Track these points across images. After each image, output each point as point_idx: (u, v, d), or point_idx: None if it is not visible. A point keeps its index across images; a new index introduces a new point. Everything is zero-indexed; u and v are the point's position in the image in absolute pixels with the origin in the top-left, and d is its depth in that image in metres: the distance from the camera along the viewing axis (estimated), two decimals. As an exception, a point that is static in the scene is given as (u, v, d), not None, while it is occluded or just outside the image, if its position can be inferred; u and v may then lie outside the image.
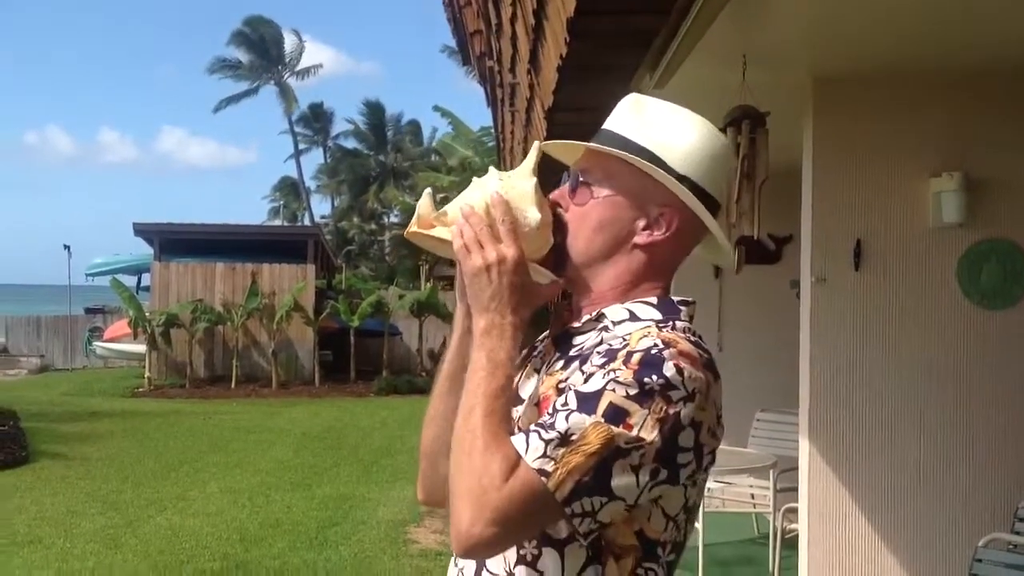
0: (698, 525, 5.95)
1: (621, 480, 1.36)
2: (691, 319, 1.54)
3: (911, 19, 3.97)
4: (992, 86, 4.71)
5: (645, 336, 1.43)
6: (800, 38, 4.32)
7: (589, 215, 1.55)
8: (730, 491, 6.91)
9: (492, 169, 1.60)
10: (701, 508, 5.98)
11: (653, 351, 1.40)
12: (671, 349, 1.40)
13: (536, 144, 1.61)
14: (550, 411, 1.40)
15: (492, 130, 19.72)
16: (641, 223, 1.54)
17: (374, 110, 45.61)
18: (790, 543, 5.51)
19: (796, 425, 5.00)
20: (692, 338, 1.47)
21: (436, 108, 31.26)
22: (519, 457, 1.36)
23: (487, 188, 1.55)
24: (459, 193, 1.61)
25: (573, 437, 1.35)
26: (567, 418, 1.36)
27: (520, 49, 5.53)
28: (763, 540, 6.90)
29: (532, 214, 1.53)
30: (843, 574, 4.75)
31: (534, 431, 1.38)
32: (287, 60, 46.53)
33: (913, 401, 4.74)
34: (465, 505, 1.36)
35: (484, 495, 1.35)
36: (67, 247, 27.39)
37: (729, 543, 7.09)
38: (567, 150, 1.65)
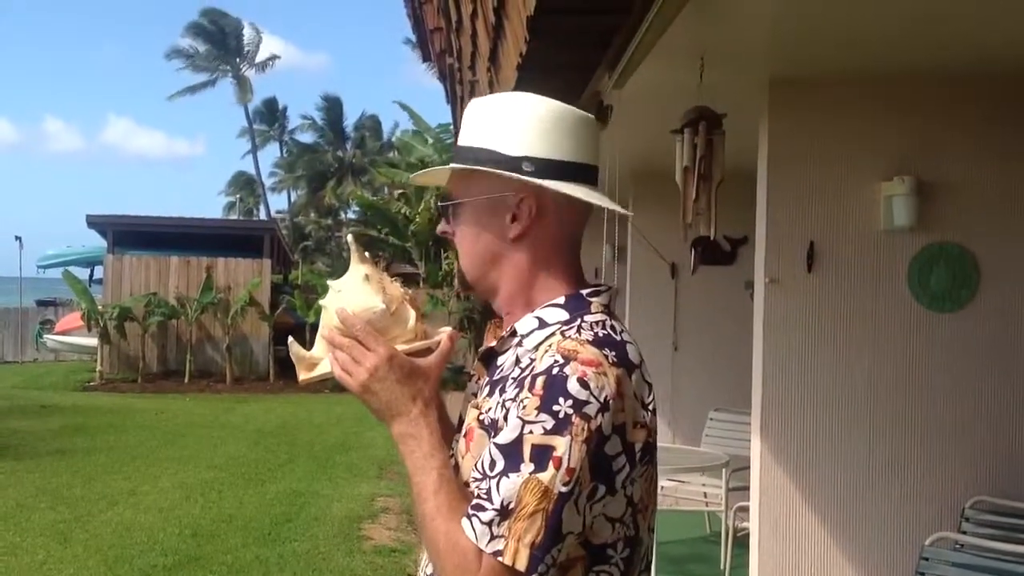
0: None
1: (568, 519, 1.36)
2: (606, 306, 1.54)
3: (865, 24, 4.02)
4: (943, 92, 4.79)
5: (547, 352, 1.43)
6: (758, 39, 4.37)
7: (463, 234, 1.59)
8: (683, 489, 6.97)
9: (329, 283, 1.63)
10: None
11: (554, 371, 1.39)
12: (572, 363, 1.39)
13: (350, 236, 1.70)
14: (479, 473, 1.40)
15: (451, 127, 19.68)
16: (508, 218, 1.54)
17: (332, 105, 45.37)
18: (742, 541, 5.56)
19: (749, 424, 5.05)
20: (600, 333, 1.47)
21: (398, 103, 31.16)
22: (478, 548, 1.37)
23: (332, 307, 1.57)
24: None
25: (511, 506, 1.35)
26: (499, 487, 1.37)
27: (480, 47, 5.53)
28: (715, 538, 6.97)
29: (376, 304, 1.55)
30: (793, 572, 4.80)
31: (474, 515, 1.38)
32: (245, 52, 46.14)
33: (863, 402, 4.81)
34: None
35: None
36: (18, 238, 27.02)
37: (682, 541, 7.15)
38: (437, 178, 1.69)
